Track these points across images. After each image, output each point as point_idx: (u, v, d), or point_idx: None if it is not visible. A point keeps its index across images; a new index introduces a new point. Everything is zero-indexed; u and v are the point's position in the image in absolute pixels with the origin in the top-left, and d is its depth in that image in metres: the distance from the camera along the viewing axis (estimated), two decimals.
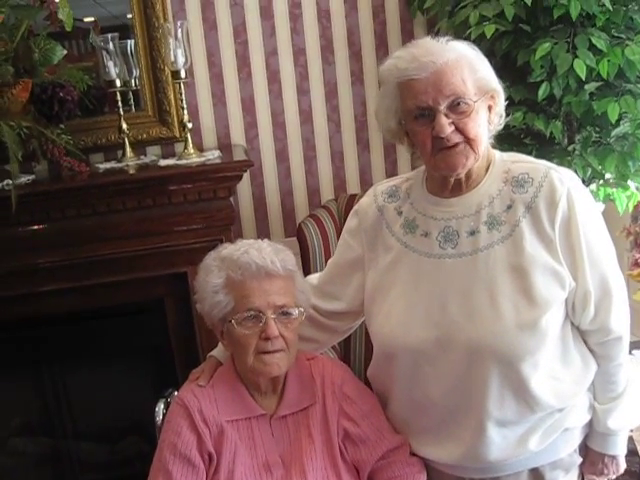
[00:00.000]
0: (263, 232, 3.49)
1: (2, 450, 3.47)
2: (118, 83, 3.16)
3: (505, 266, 1.85)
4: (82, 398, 3.40)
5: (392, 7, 3.48)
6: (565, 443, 1.99)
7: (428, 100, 1.81)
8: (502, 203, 1.89)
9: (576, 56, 2.83)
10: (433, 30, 3.30)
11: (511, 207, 1.88)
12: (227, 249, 2.04)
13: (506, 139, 2.75)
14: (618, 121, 2.92)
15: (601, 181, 3.09)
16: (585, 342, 1.97)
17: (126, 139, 3.21)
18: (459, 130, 1.82)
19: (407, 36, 3.45)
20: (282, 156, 3.54)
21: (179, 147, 3.30)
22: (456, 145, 1.84)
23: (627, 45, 2.85)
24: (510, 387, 1.85)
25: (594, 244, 1.86)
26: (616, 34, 2.93)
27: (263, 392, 2.02)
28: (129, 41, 3.27)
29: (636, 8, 2.92)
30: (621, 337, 1.96)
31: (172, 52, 2.98)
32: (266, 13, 3.42)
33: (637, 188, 3.11)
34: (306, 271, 2.89)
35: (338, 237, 2.26)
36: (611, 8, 2.83)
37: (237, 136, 3.49)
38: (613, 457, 2.06)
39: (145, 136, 3.37)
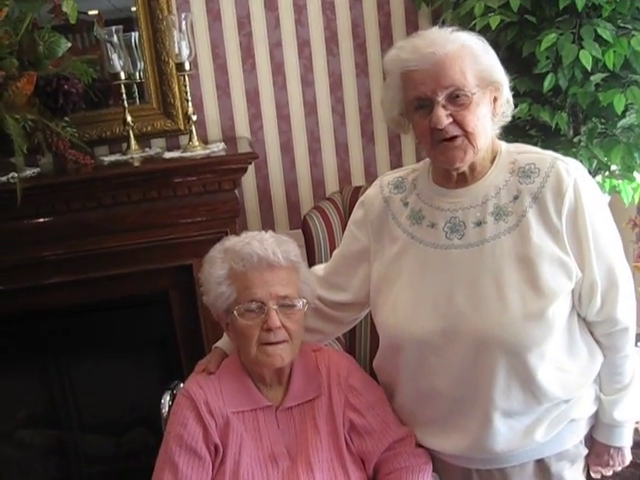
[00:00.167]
0: (268, 224, 3.48)
1: (8, 442, 3.48)
2: (122, 76, 3.15)
3: (512, 257, 1.85)
4: (88, 390, 3.41)
5: None
6: (571, 434, 1.99)
7: (427, 91, 1.81)
8: (509, 194, 1.89)
9: (582, 47, 2.82)
10: (438, 22, 3.28)
11: (518, 197, 1.88)
12: (231, 241, 2.05)
13: (511, 131, 2.73)
14: (624, 112, 2.91)
15: (607, 173, 3.08)
16: (591, 333, 1.97)
17: (131, 132, 3.20)
18: (457, 122, 1.82)
19: (412, 28, 3.43)
20: (287, 148, 3.53)
21: (184, 139, 3.29)
22: (455, 138, 1.83)
23: (633, 36, 2.84)
24: (517, 378, 1.85)
25: (601, 234, 1.86)
26: (622, 25, 2.92)
27: (268, 384, 2.02)
28: (133, 33, 3.26)
29: None
30: (627, 328, 1.96)
31: (176, 44, 2.98)
32: (270, 5, 3.41)
33: None
34: (311, 263, 2.88)
35: (343, 229, 2.26)
36: None
37: (242, 128, 3.49)
38: (619, 449, 2.06)
39: (150, 129, 3.36)
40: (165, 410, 2.26)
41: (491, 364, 1.85)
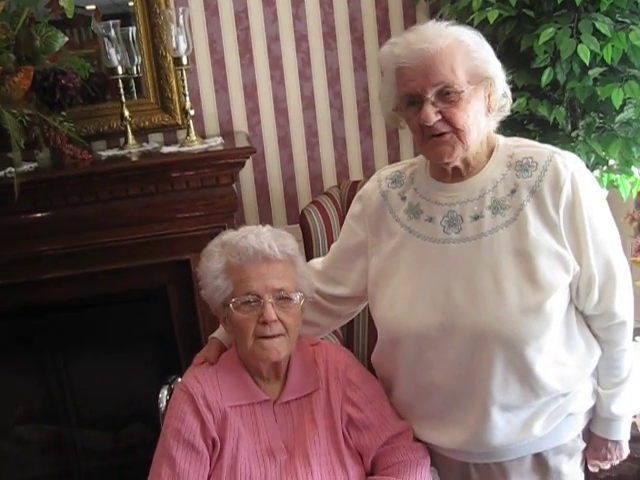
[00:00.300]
0: (266, 219, 3.48)
1: (6, 438, 3.48)
2: (120, 70, 3.14)
3: (509, 250, 1.85)
4: (86, 386, 3.41)
5: None
6: (569, 428, 1.99)
7: (417, 88, 1.82)
8: (506, 187, 1.89)
9: (580, 41, 2.82)
10: (436, 16, 3.28)
11: (515, 191, 1.88)
12: (228, 235, 2.06)
13: (509, 125, 2.74)
14: (622, 107, 2.91)
15: (605, 167, 3.08)
16: (589, 327, 1.98)
17: (128, 126, 3.20)
18: (446, 119, 1.82)
19: (409, 22, 3.43)
20: (284, 142, 3.53)
21: (181, 134, 3.30)
22: (444, 134, 1.83)
23: (631, 30, 2.83)
24: (514, 371, 1.86)
25: (598, 228, 1.86)
26: (620, 19, 2.91)
27: (265, 378, 2.02)
28: (131, 28, 3.25)
29: None
30: (625, 322, 1.96)
31: (174, 39, 2.97)
32: None
33: None
34: (309, 258, 2.87)
35: (341, 224, 2.26)
36: None
37: (239, 123, 3.48)
38: (616, 442, 2.07)
39: (147, 123, 3.36)
40: (163, 405, 2.26)
41: (489, 358, 1.85)
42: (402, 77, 1.84)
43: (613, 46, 2.82)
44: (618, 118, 2.97)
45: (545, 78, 2.90)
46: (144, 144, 3.26)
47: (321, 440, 1.98)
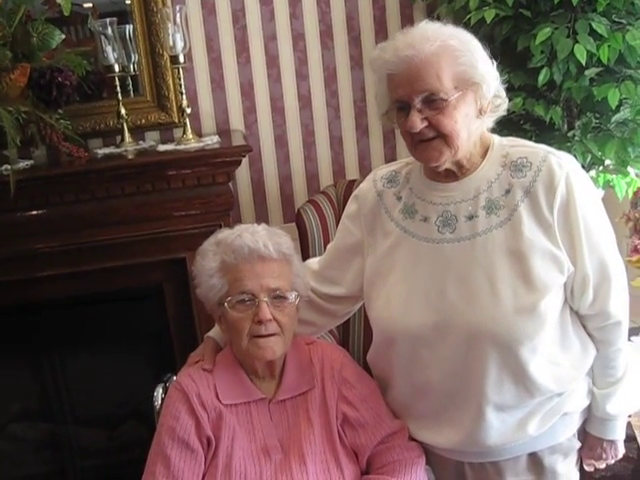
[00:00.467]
0: (262, 218, 3.48)
1: (1, 436, 3.48)
2: (117, 68, 3.14)
3: (503, 251, 1.84)
4: (81, 384, 3.40)
5: None
6: (564, 428, 1.99)
7: (403, 95, 1.82)
8: (500, 187, 1.88)
9: (576, 41, 2.83)
10: (433, 15, 3.28)
11: (509, 191, 1.87)
12: (223, 233, 2.06)
13: (506, 125, 2.73)
14: (618, 107, 2.92)
15: (601, 167, 3.09)
16: (584, 327, 1.97)
17: (125, 124, 3.20)
18: (433, 126, 1.81)
19: (406, 21, 3.44)
20: (281, 141, 3.53)
21: (178, 132, 3.29)
22: (431, 139, 1.83)
23: (628, 30, 2.85)
24: (509, 372, 1.86)
25: (593, 228, 1.85)
26: (617, 19, 2.93)
27: (261, 376, 2.02)
28: (127, 26, 3.24)
29: None
30: (620, 322, 1.96)
31: (171, 37, 2.97)
32: None
33: (637, 174, 3.11)
34: (305, 257, 2.87)
35: (337, 223, 2.26)
36: None
37: (236, 121, 3.48)
38: (612, 442, 2.06)
39: (144, 121, 3.36)
40: (158, 403, 2.25)
41: (483, 358, 1.85)
42: (391, 83, 1.84)
43: (609, 46, 2.83)
44: (614, 118, 2.98)
45: (542, 78, 2.91)
46: (140, 142, 3.26)
47: (316, 439, 1.97)
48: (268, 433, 1.98)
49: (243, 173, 3.49)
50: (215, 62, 3.43)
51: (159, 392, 2.29)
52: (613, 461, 2.12)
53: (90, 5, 3.26)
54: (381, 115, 1.95)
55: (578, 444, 2.05)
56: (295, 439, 1.97)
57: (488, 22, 2.90)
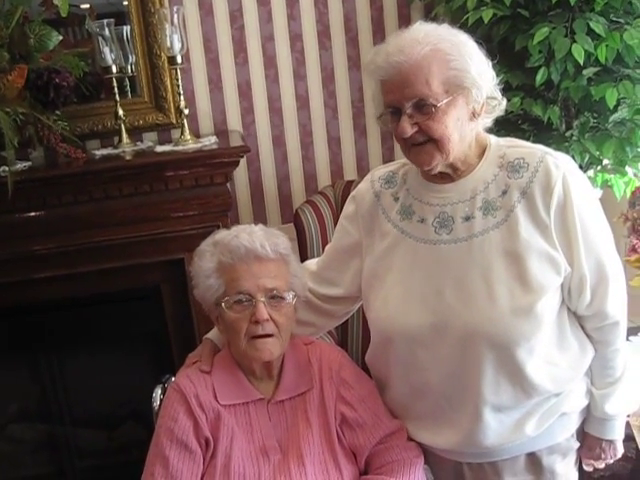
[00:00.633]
0: (260, 218, 3.47)
1: (0, 437, 3.47)
2: (114, 69, 3.15)
3: (500, 252, 1.84)
4: (79, 385, 3.40)
5: None
6: (562, 428, 1.99)
7: (394, 101, 1.82)
8: (497, 188, 1.88)
9: (574, 41, 2.83)
10: (430, 15, 3.28)
11: (506, 192, 1.87)
12: (220, 234, 2.06)
13: (503, 125, 2.75)
14: (616, 106, 2.92)
15: (599, 167, 3.09)
16: (582, 327, 1.97)
17: (122, 125, 3.20)
18: (423, 131, 1.81)
19: (404, 21, 3.43)
20: (279, 142, 3.53)
21: (175, 133, 3.30)
22: (423, 143, 1.83)
23: (626, 30, 2.84)
24: (505, 372, 1.85)
25: (590, 229, 1.85)
26: (615, 18, 2.92)
27: (259, 377, 2.02)
28: (125, 27, 3.25)
29: None
30: (618, 322, 1.96)
31: (168, 38, 2.97)
32: None
33: (635, 174, 3.10)
34: (303, 257, 2.88)
35: (335, 223, 2.26)
36: None
37: (234, 122, 3.48)
38: (610, 442, 2.06)
39: (141, 122, 3.36)
40: (156, 404, 2.25)
41: (479, 359, 1.85)
42: (383, 88, 1.85)
43: (607, 46, 2.83)
44: (612, 118, 2.98)
45: (539, 78, 2.90)
46: (138, 143, 3.26)
47: (315, 439, 1.97)
48: (266, 434, 1.98)
49: (241, 174, 3.49)
50: (213, 63, 3.43)
51: (158, 393, 2.28)
52: (612, 461, 2.12)
53: (87, 6, 3.26)
54: (377, 118, 1.94)
55: (577, 444, 2.05)
56: (293, 440, 1.97)
57: (486, 22, 2.90)
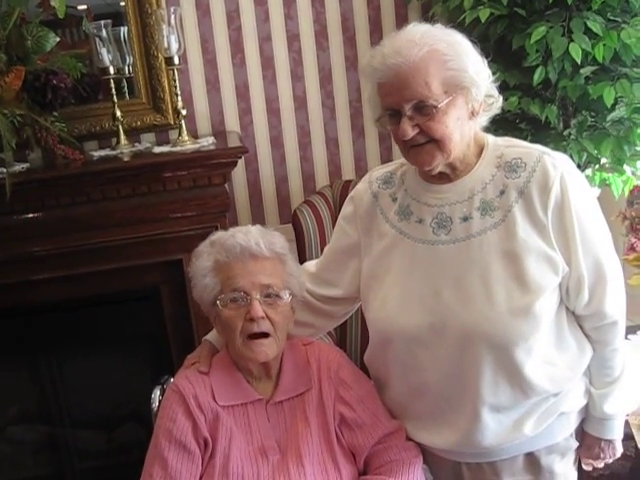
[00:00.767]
0: (258, 219, 3.49)
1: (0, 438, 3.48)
2: (112, 70, 3.15)
3: (498, 252, 1.84)
4: (78, 386, 3.40)
5: None
6: (561, 427, 1.99)
7: (393, 103, 1.81)
8: (495, 188, 1.88)
9: (571, 40, 2.82)
10: (427, 15, 3.28)
11: (504, 192, 1.87)
12: (217, 235, 2.07)
13: (501, 124, 2.75)
14: (614, 105, 2.92)
15: (597, 166, 3.09)
16: (581, 327, 1.97)
17: (120, 126, 3.20)
18: (424, 132, 1.81)
19: (401, 21, 3.43)
20: (277, 142, 3.53)
21: (173, 134, 3.30)
22: (423, 144, 1.83)
23: (623, 29, 2.84)
24: (504, 373, 1.85)
25: (587, 228, 1.85)
26: (612, 17, 2.92)
27: (257, 377, 2.02)
28: (122, 28, 3.25)
29: None
30: (616, 322, 1.96)
31: (165, 39, 2.97)
32: None
33: (633, 172, 3.10)
34: (301, 257, 2.88)
35: (333, 223, 2.26)
36: None
37: (231, 123, 3.48)
38: (609, 441, 2.06)
39: (139, 123, 3.36)
40: (155, 405, 2.25)
41: (478, 359, 1.85)
42: (381, 90, 1.84)
43: (604, 45, 2.83)
44: (610, 117, 2.98)
45: (537, 77, 2.90)
46: (136, 144, 3.26)
47: (314, 439, 1.97)
48: (265, 434, 1.98)
49: (239, 174, 3.49)
50: (210, 63, 3.43)
51: (156, 394, 2.28)
52: (611, 460, 2.12)
53: (84, 7, 3.26)
54: (375, 121, 1.94)
55: (576, 444, 2.05)
56: (292, 440, 1.97)
57: (483, 21, 2.90)
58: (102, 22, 3.10)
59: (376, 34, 3.46)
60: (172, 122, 3.34)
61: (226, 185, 3.09)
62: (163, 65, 3.22)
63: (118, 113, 3.17)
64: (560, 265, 1.84)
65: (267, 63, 3.46)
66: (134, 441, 3.37)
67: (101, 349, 3.35)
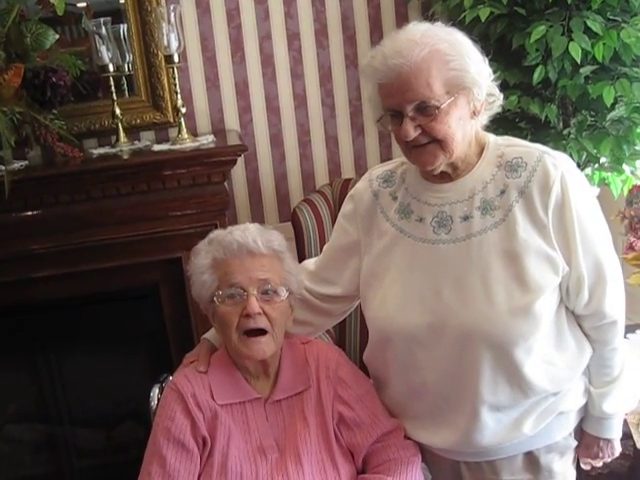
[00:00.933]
0: (257, 217, 3.48)
1: None
2: (111, 68, 3.14)
3: (498, 251, 1.84)
4: (77, 384, 3.40)
5: None
6: (560, 427, 1.99)
7: (395, 104, 1.81)
8: (496, 188, 1.88)
9: (571, 39, 2.82)
10: (427, 14, 3.28)
11: (504, 192, 1.87)
12: (215, 233, 2.07)
13: (501, 123, 2.74)
14: (613, 105, 2.92)
15: (596, 165, 3.09)
16: (580, 326, 1.97)
17: (120, 124, 3.20)
18: (426, 132, 1.81)
19: (401, 19, 3.43)
20: (276, 141, 3.53)
21: (173, 132, 3.30)
22: (426, 144, 1.83)
23: (622, 28, 2.84)
24: (503, 372, 1.85)
25: (588, 228, 1.85)
26: (611, 17, 2.92)
27: (254, 375, 2.02)
28: (122, 25, 3.25)
29: None
30: (616, 321, 1.96)
31: (165, 36, 2.97)
32: None
33: (632, 172, 3.10)
34: (301, 256, 2.88)
35: (333, 222, 2.26)
36: None
37: (231, 121, 3.48)
38: (608, 441, 2.06)
39: (139, 121, 3.36)
40: (154, 403, 2.25)
41: (477, 359, 1.84)
42: (382, 91, 1.83)
43: (604, 44, 2.82)
44: (609, 116, 2.98)
45: (537, 76, 2.90)
46: (135, 142, 3.26)
47: (312, 438, 1.97)
48: (264, 433, 1.98)
49: (239, 172, 3.49)
50: (210, 61, 3.43)
51: (155, 392, 2.28)
52: (610, 459, 2.12)
53: (84, 4, 3.25)
54: (375, 121, 1.94)
55: (574, 443, 2.04)
56: (291, 439, 1.97)
57: (483, 20, 2.90)
58: (102, 19, 3.09)
59: (376, 33, 3.46)
60: (172, 120, 3.34)
61: (225, 183, 3.09)
62: (163, 63, 3.22)
63: (117, 111, 3.17)
64: (560, 265, 1.84)
65: (267, 61, 3.45)
66: (133, 439, 3.36)
67: (100, 347, 3.35)
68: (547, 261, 1.83)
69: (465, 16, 2.94)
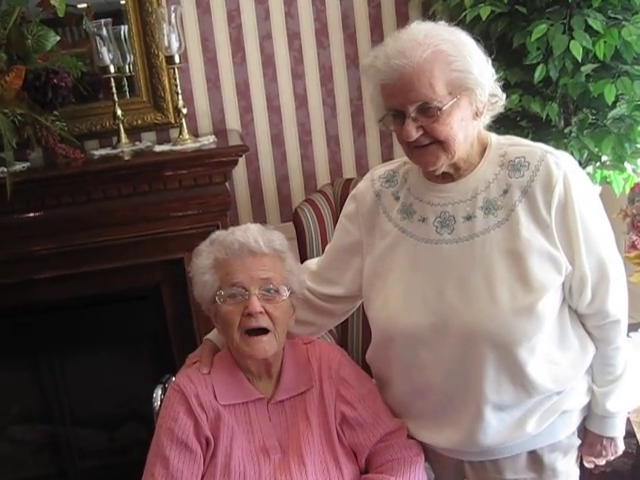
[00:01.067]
0: (259, 217, 3.49)
1: (1, 438, 3.49)
2: (112, 69, 3.15)
3: (501, 251, 1.84)
4: (80, 385, 3.40)
5: None
6: (563, 426, 1.99)
7: (397, 105, 1.80)
8: (498, 187, 1.87)
9: (572, 37, 2.82)
10: (428, 13, 3.28)
11: (507, 192, 1.86)
12: (217, 233, 2.07)
13: (502, 122, 2.73)
14: (615, 103, 2.91)
15: (598, 163, 3.08)
16: (583, 325, 1.97)
17: (121, 125, 3.20)
18: (428, 133, 1.80)
19: (402, 19, 3.44)
20: (277, 141, 3.53)
21: (174, 133, 3.30)
22: (428, 145, 1.82)
23: (624, 26, 2.84)
24: (506, 372, 1.85)
25: (591, 228, 1.85)
26: (612, 15, 2.92)
27: (256, 375, 2.02)
28: (123, 27, 3.25)
29: None
30: (619, 320, 1.96)
31: (166, 37, 2.97)
32: None
33: (634, 170, 3.10)
34: (302, 256, 2.88)
35: (334, 221, 2.26)
36: None
37: (232, 121, 3.48)
38: (611, 439, 2.06)
39: (140, 122, 3.36)
40: (157, 404, 2.25)
41: (480, 358, 1.84)
42: (384, 91, 1.83)
43: (605, 42, 2.82)
44: (611, 114, 2.98)
45: (538, 74, 2.90)
46: (137, 143, 3.26)
47: (315, 439, 1.97)
48: (267, 433, 1.98)
49: (240, 173, 3.49)
50: (211, 62, 3.43)
51: (158, 393, 2.28)
52: (613, 458, 2.11)
53: (85, 6, 3.26)
54: (378, 121, 1.93)
55: (578, 441, 2.04)
56: (294, 439, 1.97)
57: (484, 19, 2.90)
58: (102, 21, 3.10)
59: (377, 32, 3.46)
60: (173, 121, 3.34)
61: (227, 184, 3.10)
62: (164, 64, 3.23)
63: (119, 112, 3.17)
64: (563, 264, 1.84)
65: (268, 61, 3.46)
66: (135, 440, 3.35)
67: (102, 348, 3.35)
68: (550, 260, 1.83)
69: (466, 15, 2.94)
